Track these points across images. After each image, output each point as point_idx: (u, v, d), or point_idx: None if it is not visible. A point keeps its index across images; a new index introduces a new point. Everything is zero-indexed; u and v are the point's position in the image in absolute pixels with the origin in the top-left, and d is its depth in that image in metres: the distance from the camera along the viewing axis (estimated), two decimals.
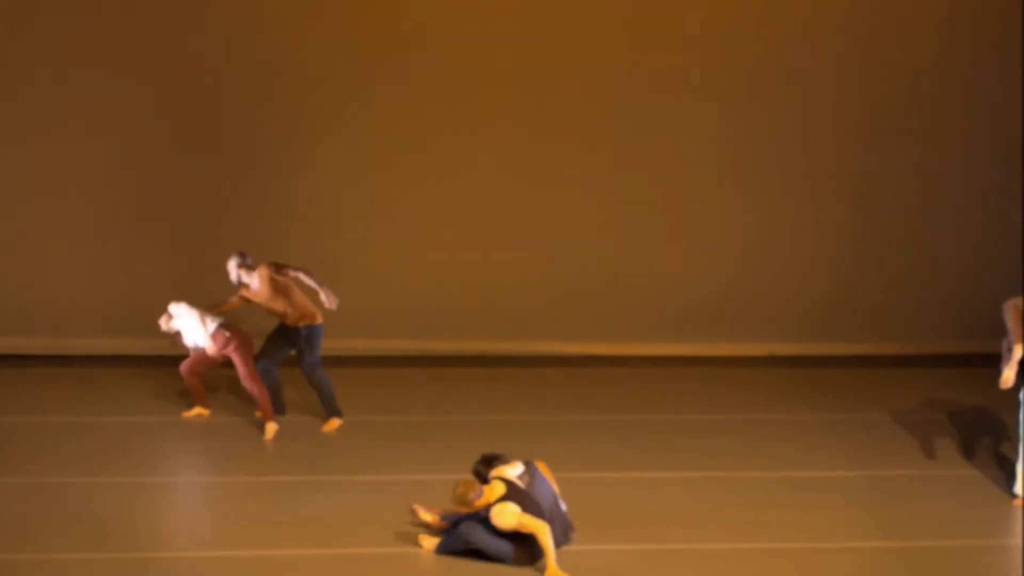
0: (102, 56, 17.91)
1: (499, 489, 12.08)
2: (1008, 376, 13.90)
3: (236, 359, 15.33)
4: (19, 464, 14.19)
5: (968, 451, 15.43)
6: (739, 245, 19.14)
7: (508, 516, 11.94)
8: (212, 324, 15.42)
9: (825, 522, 13.39)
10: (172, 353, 18.03)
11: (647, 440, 15.69)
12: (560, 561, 12.10)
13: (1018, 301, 14.02)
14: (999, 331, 14.40)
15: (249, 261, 15.55)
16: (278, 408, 15.72)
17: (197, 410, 15.89)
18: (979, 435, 15.73)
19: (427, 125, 18.52)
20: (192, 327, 15.44)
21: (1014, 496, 13.98)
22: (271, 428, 15.27)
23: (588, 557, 12.41)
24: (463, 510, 12.15)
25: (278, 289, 15.41)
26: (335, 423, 15.66)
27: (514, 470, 12.34)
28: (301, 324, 15.49)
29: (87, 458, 14.44)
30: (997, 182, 19.34)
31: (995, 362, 14.38)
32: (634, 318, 18.97)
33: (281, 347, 15.64)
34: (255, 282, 15.46)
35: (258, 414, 15.56)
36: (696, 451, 15.33)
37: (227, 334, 15.34)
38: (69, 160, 18.00)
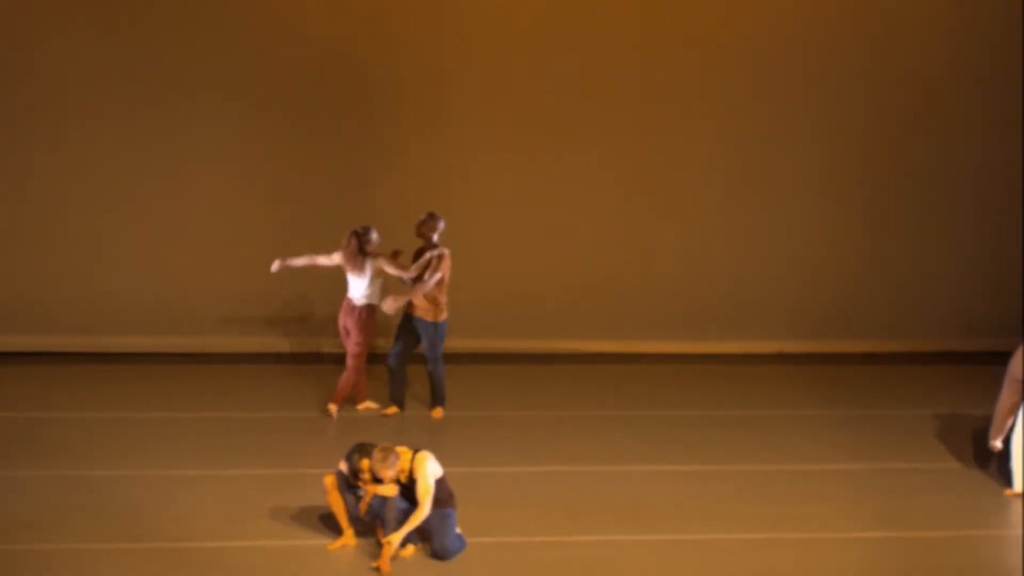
0: (170, 64, 17.98)
1: (408, 453, 12.18)
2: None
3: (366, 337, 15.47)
4: (59, 458, 14.25)
5: (968, 445, 15.43)
6: (749, 246, 19.15)
7: (425, 467, 12.08)
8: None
9: (831, 513, 13.41)
10: (205, 351, 18.14)
11: (658, 435, 15.71)
12: (573, 552, 12.16)
13: None
14: (999, 330, 14.42)
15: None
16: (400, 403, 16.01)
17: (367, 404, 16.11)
18: (979, 430, 15.72)
19: (443, 130, 18.53)
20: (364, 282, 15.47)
21: (1013, 489, 13.99)
22: (334, 409, 15.61)
23: (600, 547, 12.46)
24: (389, 475, 12.07)
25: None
26: (440, 412, 16.04)
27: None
28: (432, 318, 15.56)
29: (125, 452, 14.49)
30: (998, 184, 19.32)
31: (995, 359, 14.39)
32: (646, 317, 18.99)
33: (411, 340, 15.74)
34: (447, 262, 15.62)
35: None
36: (706, 445, 15.36)
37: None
38: (107, 163, 18.04)
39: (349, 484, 12.28)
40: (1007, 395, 14.07)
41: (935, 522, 13.37)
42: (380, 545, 12.25)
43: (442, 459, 13.48)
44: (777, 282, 19.18)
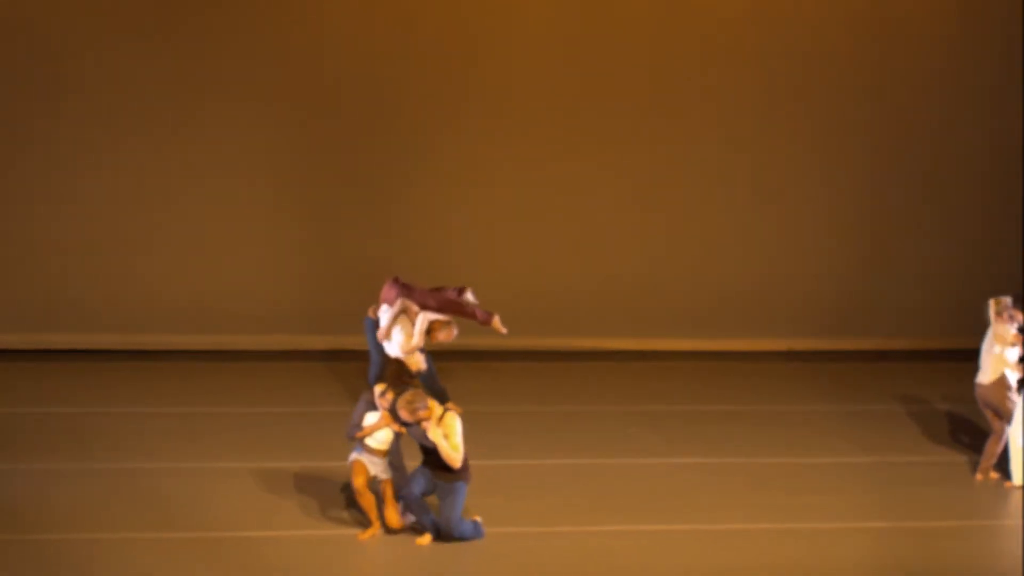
0: (208, 75, 18.02)
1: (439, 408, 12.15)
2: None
3: None
4: (98, 451, 14.31)
5: (970, 439, 15.39)
6: (760, 249, 19.10)
7: (454, 426, 12.00)
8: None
9: (837, 504, 13.41)
10: (238, 348, 18.19)
11: (674, 428, 15.71)
12: (592, 542, 12.17)
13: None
14: None
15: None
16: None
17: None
18: (980, 424, 15.68)
19: (467, 140, 18.54)
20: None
21: (1012, 482, 13.98)
22: None
23: (618, 538, 12.47)
24: (406, 416, 12.04)
25: None
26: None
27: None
28: None
29: (161, 446, 14.53)
30: (999, 185, 19.25)
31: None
32: (661, 315, 18.95)
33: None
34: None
35: None
36: (719, 439, 15.35)
37: None
38: (145, 169, 18.08)
39: (373, 404, 12.36)
40: (1008, 409, 14.11)
41: (939, 513, 13.36)
42: (406, 528, 12.26)
43: (468, 452, 13.52)
44: (786, 282, 19.14)
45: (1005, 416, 14.04)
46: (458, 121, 18.50)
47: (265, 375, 17.34)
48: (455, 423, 12.09)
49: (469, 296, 15.32)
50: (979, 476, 14.25)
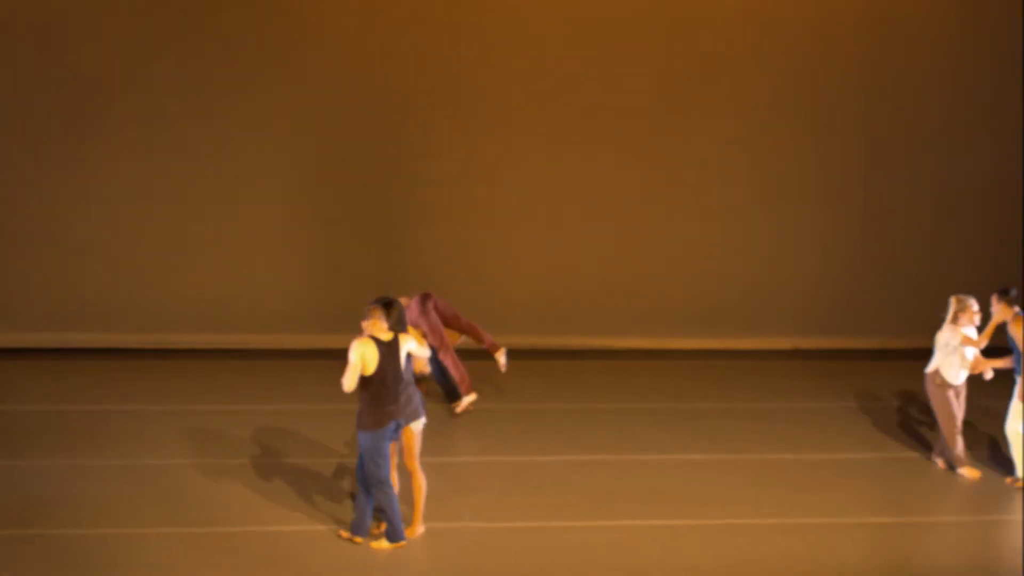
0: (224, 83, 18.10)
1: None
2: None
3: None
4: (118, 448, 14.36)
5: (968, 437, 15.38)
6: (766, 250, 19.11)
7: (357, 347, 11.85)
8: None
9: (840, 500, 13.42)
10: (254, 347, 18.21)
11: (681, 426, 15.71)
12: (597, 537, 12.17)
13: None
14: (1000, 327, 14.36)
15: None
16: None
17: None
18: (978, 422, 15.67)
19: (479, 144, 18.55)
20: None
21: (1014, 478, 13.95)
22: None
23: (623, 532, 12.47)
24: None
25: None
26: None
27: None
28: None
29: (178, 443, 14.57)
30: (999, 187, 19.24)
31: (996, 355, 14.36)
32: (668, 315, 18.96)
33: None
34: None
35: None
36: (724, 436, 15.35)
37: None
38: (167, 175, 18.13)
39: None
40: (943, 408, 14.03)
41: (940, 508, 13.38)
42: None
43: (475, 449, 13.61)
44: (791, 282, 19.15)
45: (938, 416, 14.01)
46: (466, 125, 18.53)
47: (280, 373, 17.38)
48: (361, 344, 11.89)
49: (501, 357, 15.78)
50: (962, 471, 14.16)
